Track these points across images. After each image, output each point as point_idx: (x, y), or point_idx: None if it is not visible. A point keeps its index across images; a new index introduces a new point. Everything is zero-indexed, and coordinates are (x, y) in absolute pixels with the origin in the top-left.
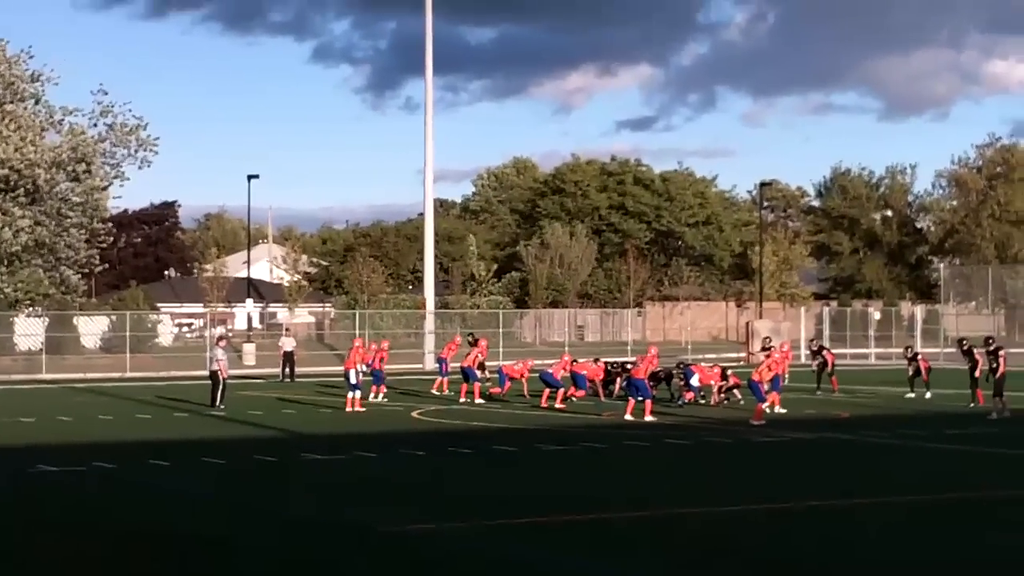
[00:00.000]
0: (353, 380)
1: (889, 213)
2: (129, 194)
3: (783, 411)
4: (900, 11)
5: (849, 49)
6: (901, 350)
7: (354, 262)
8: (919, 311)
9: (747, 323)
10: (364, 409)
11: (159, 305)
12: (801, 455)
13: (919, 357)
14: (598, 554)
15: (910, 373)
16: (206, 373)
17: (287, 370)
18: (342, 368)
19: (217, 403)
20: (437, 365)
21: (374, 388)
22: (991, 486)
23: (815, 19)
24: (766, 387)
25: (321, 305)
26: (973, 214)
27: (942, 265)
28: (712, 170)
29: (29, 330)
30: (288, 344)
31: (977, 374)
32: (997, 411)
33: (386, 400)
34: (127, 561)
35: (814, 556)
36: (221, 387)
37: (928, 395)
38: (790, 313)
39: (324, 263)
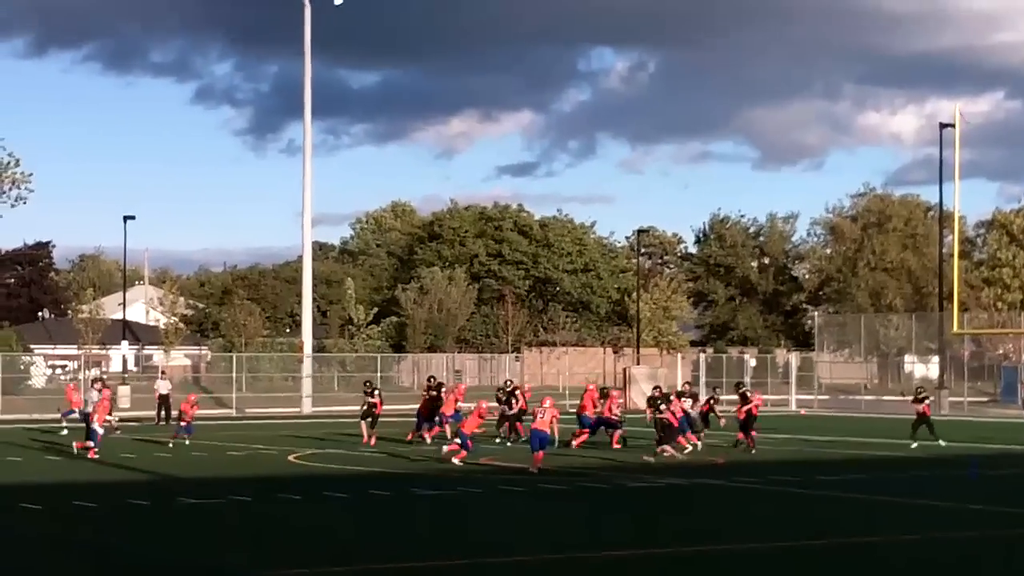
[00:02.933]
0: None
1: (766, 261)
2: (1, 233)
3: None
4: (776, 62)
5: (727, 99)
6: (776, 396)
7: (231, 305)
8: (794, 358)
9: (624, 369)
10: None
11: (32, 346)
12: (671, 500)
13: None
14: None
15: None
16: (78, 416)
17: (163, 413)
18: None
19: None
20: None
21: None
22: (861, 531)
23: (694, 69)
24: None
25: (197, 348)
26: (848, 263)
27: (816, 313)
28: (591, 216)
29: None
30: (163, 387)
31: (740, 415)
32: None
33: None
34: None
35: None
36: (95, 428)
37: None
38: (667, 359)
39: (201, 305)
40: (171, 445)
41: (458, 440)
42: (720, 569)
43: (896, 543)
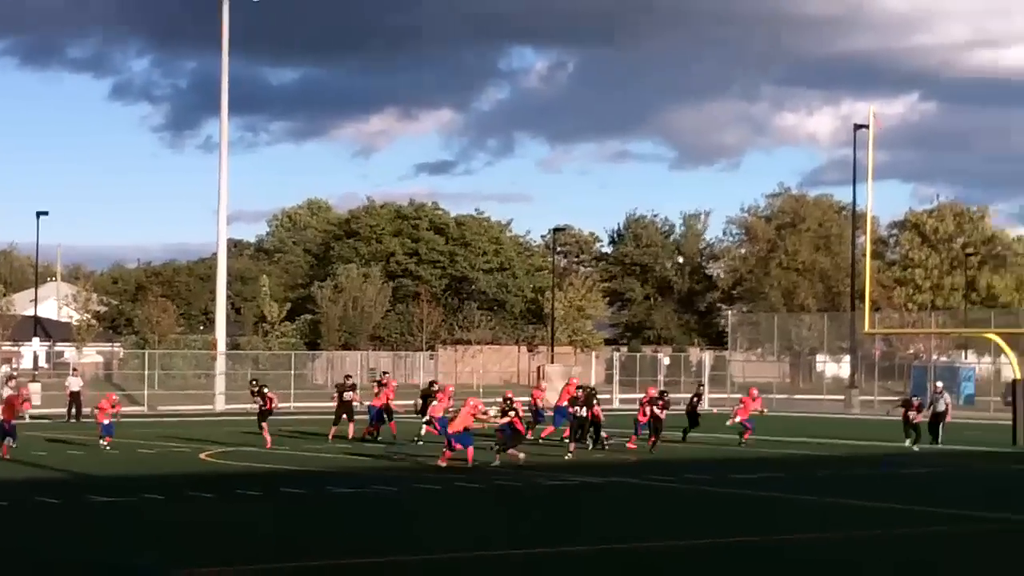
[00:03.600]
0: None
1: (681, 260)
2: None
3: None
4: (695, 63)
5: (645, 99)
6: (688, 395)
7: (145, 301)
8: (707, 357)
9: (539, 367)
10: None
11: None
12: (581, 499)
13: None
14: None
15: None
16: None
17: (73, 410)
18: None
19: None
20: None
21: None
22: (773, 528)
23: (613, 69)
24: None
25: (110, 344)
26: (762, 262)
27: (730, 312)
28: (509, 215)
29: None
30: (75, 384)
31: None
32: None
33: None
34: None
35: None
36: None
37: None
38: (581, 358)
39: (114, 302)
40: (107, 447)
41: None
42: (623, 566)
43: (800, 542)
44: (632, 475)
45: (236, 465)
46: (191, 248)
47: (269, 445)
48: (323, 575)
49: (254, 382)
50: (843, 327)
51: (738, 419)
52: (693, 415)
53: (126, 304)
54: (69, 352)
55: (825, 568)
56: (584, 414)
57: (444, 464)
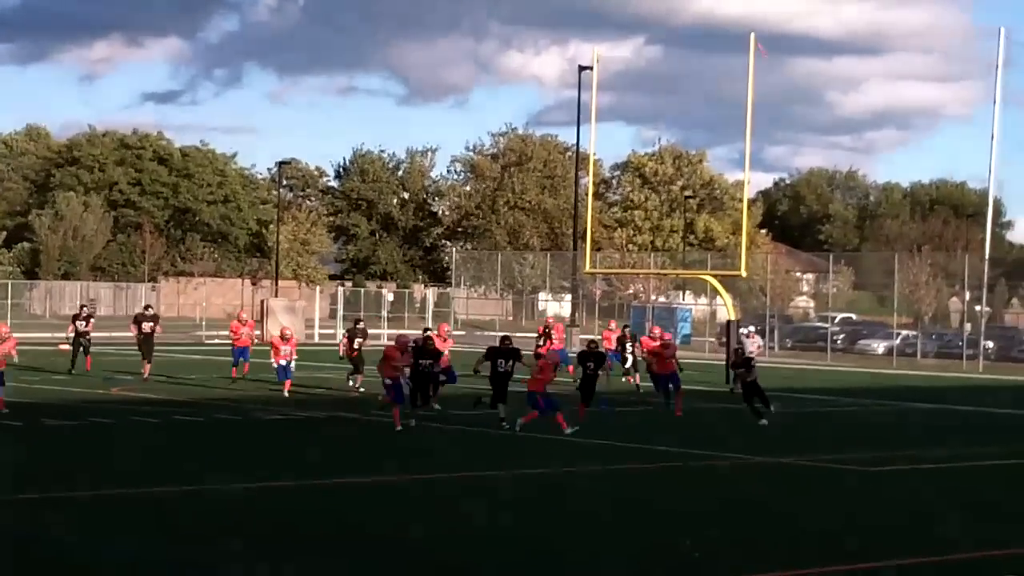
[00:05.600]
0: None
1: (406, 196)
2: None
3: None
4: None
5: (375, 34)
6: (412, 331)
7: None
8: (431, 293)
9: (262, 301)
10: None
11: None
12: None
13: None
14: (99, 529)
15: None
16: None
17: None
18: None
19: None
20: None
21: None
22: (483, 466)
23: (343, 2)
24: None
25: None
26: (488, 200)
27: (454, 249)
28: (235, 147)
29: None
30: None
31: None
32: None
33: None
34: None
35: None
36: None
37: None
38: (306, 292)
39: None
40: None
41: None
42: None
43: (513, 477)
44: (354, 409)
45: None
46: None
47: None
48: (41, 505)
49: (84, 307)
50: (565, 266)
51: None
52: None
53: None
54: None
55: (528, 501)
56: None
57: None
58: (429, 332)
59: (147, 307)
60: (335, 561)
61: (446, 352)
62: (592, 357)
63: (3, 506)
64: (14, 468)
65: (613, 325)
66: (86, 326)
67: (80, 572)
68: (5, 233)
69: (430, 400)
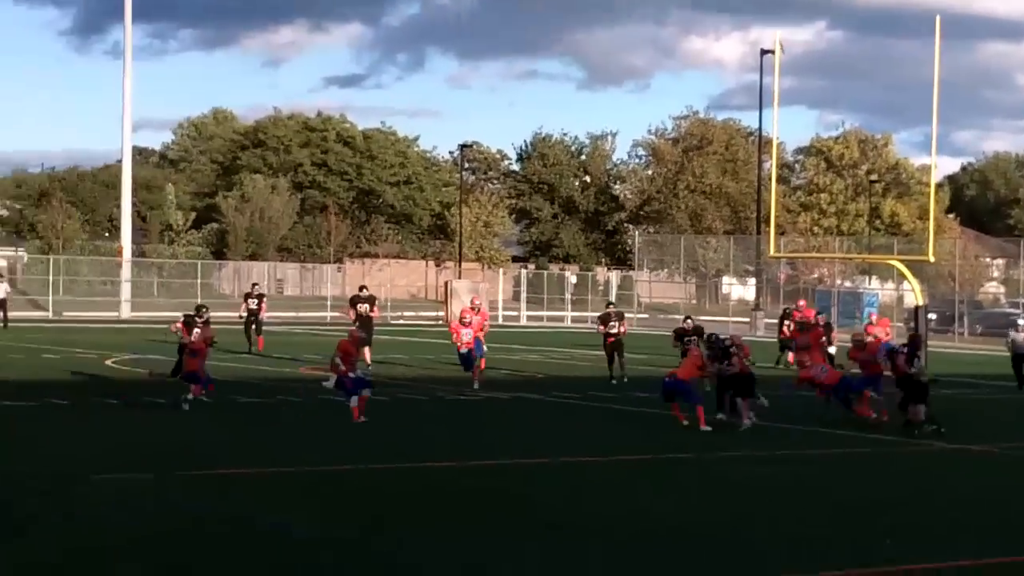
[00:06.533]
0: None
1: (588, 180)
2: None
3: None
4: None
5: (556, 18)
6: (595, 313)
7: (49, 207)
8: (614, 276)
9: (446, 283)
10: None
11: None
12: (490, 414)
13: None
14: (285, 506)
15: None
16: None
17: (2, 314)
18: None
19: None
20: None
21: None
22: (670, 448)
23: None
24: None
25: (13, 249)
26: (669, 184)
27: (637, 233)
28: (417, 130)
29: None
30: (0, 291)
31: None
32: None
33: None
34: None
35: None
36: None
37: None
38: (488, 274)
39: (17, 206)
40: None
41: None
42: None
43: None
44: (538, 391)
45: (141, 372)
46: (95, 154)
47: (261, 347)
48: (221, 483)
49: (255, 286)
50: (749, 250)
51: None
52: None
53: (29, 209)
54: None
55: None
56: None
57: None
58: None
59: (362, 288)
60: (559, 546)
61: (479, 325)
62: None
63: (194, 481)
64: (203, 444)
65: (802, 304)
66: (257, 306)
67: (272, 548)
68: (195, 214)
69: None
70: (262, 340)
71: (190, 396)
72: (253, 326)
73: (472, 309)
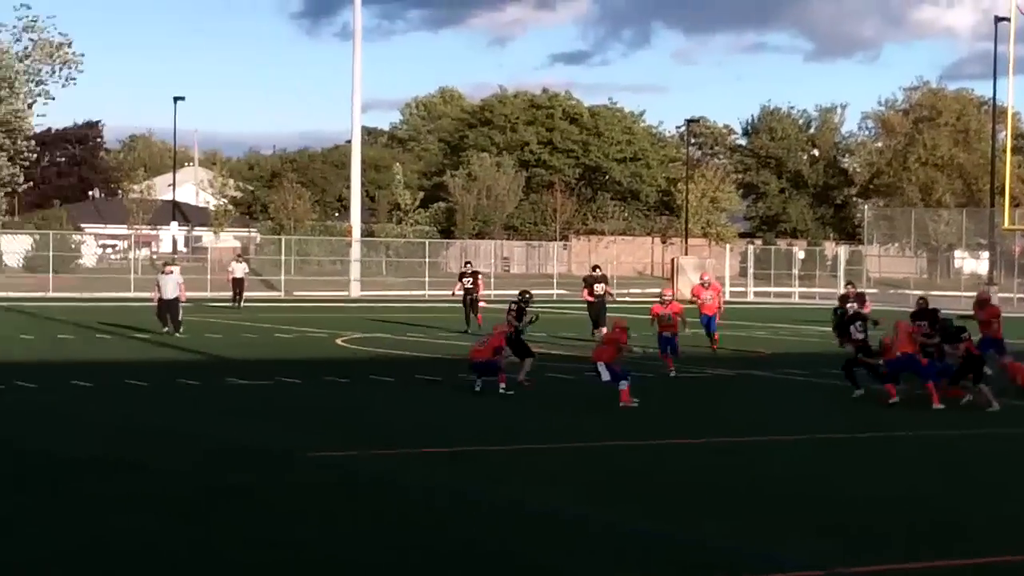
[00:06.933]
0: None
1: (816, 153)
2: (52, 112)
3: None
4: None
5: None
6: (823, 289)
7: (280, 188)
8: (843, 251)
9: (672, 259)
10: None
11: (83, 225)
12: (720, 391)
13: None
14: (517, 484)
15: None
16: (129, 295)
17: (239, 293)
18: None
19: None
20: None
21: None
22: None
23: None
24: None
25: (246, 230)
26: (899, 156)
27: (866, 207)
28: (643, 106)
29: None
30: (239, 270)
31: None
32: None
33: None
34: (42, 482)
35: (728, 485)
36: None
37: None
38: (715, 250)
39: (250, 188)
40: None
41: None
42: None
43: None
44: (765, 368)
45: (371, 351)
46: (325, 135)
47: (481, 321)
48: (457, 460)
49: (468, 264)
50: (982, 223)
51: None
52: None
53: (261, 190)
54: (207, 237)
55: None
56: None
57: None
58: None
59: (595, 268)
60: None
61: (714, 301)
62: None
63: (435, 458)
64: (433, 425)
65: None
66: (472, 284)
67: (494, 524)
68: (422, 193)
69: None
70: (480, 317)
71: (502, 386)
72: (469, 305)
73: (703, 285)
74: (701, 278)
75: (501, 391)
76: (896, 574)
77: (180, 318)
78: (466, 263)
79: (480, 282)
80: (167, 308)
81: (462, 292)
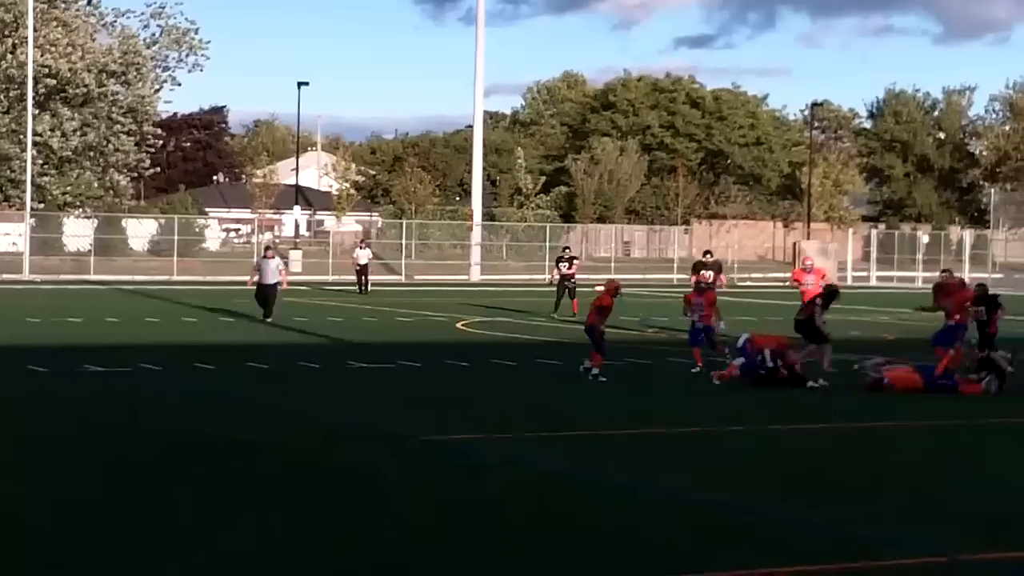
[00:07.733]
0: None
1: (942, 136)
2: (178, 97)
3: None
4: None
5: None
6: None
7: (402, 172)
8: (968, 236)
9: (794, 243)
10: None
11: (207, 209)
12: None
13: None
14: (633, 467)
15: None
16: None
17: (364, 279)
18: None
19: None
20: None
21: None
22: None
23: None
24: None
25: (368, 214)
26: None
27: (993, 190)
28: (767, 89)
29: (78, 231)
30: (363, 256)
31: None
32: None
33: None
34: (168, 463)
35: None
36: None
37: None
38: (838, 235)
39: (372, 172)
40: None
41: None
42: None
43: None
44: (891, 353)
45: (492, 335)
46: (447, 120)
47: (576, 308)
48: (578, 445)
49: (566, 249)
50: None
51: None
52: None
53: (383, 175)
54: (329, 221)
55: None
56: None
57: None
58: None
59: (706, 253)
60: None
61: (815, 284)
62: None
63: (542, 442)
64: (554, 404)
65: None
66: (569, 268)
67: (613, 508)
68: (544, 178)
69: None
70: (576, 303)
71: (595, 371)
72: (566, 290)
73: (804, 270)
74: (804, 262)
75: (592, 374)
76: (1018, 562)
77: (278, 303)
78: (564, 248)
79: (575, 267)
80: (266, 293)
81: (558, 277)
